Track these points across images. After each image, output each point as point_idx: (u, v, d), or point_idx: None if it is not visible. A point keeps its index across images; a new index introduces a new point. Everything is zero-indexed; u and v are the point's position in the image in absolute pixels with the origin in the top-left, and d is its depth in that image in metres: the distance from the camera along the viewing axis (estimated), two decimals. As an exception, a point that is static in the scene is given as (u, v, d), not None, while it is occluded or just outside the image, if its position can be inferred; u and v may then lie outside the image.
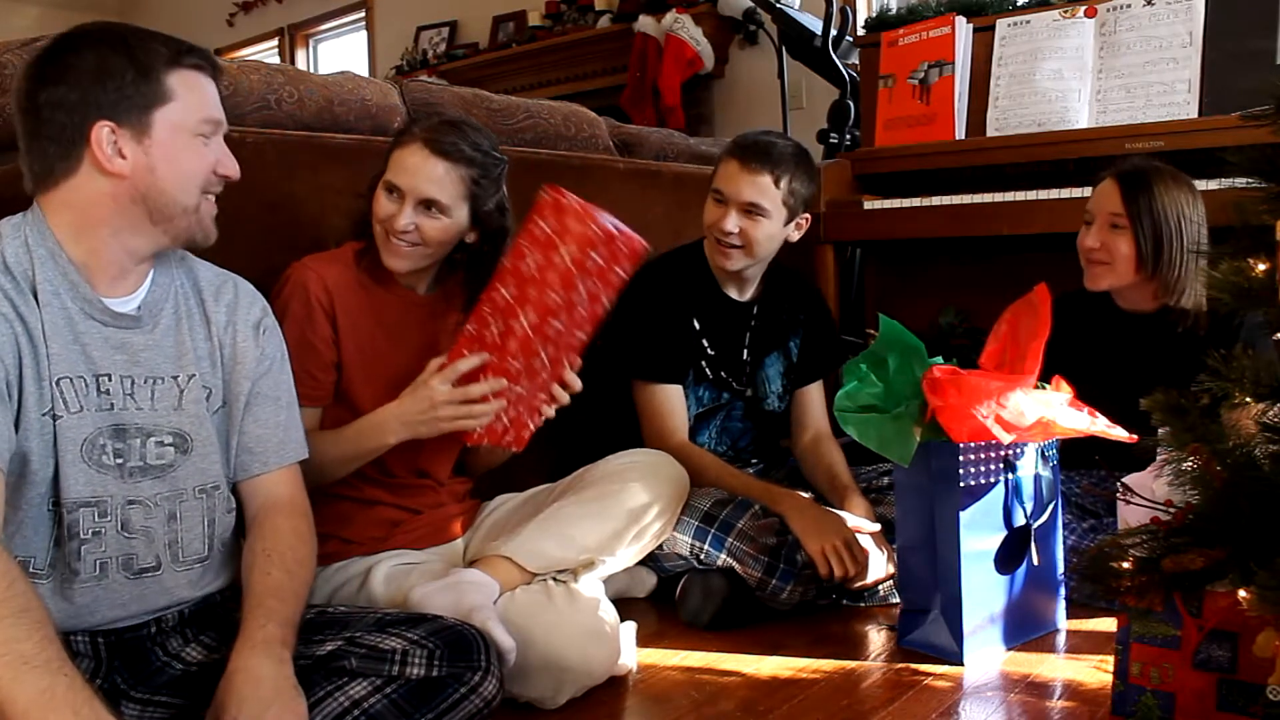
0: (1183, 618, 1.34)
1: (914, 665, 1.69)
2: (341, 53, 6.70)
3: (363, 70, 5.98)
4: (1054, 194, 2.49)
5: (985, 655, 1.70)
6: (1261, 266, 1.19)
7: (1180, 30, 2.49)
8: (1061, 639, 1.79)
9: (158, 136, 1.23)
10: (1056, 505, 1.81)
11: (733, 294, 2.18)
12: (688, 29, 4.33)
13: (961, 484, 1.66)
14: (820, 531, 1.86)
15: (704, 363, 2.14)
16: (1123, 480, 1.48)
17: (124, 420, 1.25)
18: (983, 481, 1.69)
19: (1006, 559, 1.74)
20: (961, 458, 1.66)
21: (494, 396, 1.59)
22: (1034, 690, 1.58)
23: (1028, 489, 1.75)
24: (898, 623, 1.80)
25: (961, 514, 1.66)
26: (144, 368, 1.27)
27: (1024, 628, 1.78)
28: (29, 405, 1.17)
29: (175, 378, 1.30)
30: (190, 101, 1.26)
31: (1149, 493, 1.37)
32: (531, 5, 5.24)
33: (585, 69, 4.88)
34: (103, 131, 1.20)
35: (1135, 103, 2.52)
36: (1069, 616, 1.85)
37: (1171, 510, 1.28)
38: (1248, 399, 1.20)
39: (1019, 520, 1.74)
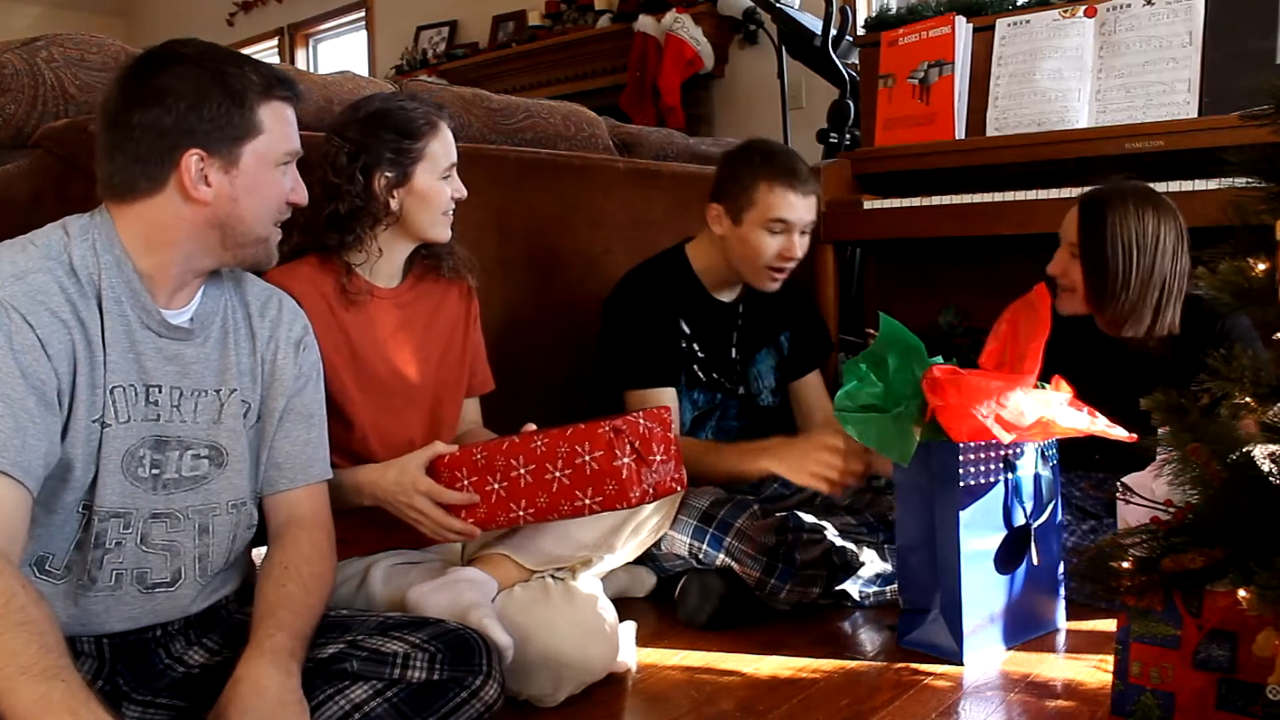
0: (1182, 617, 1.34)
1: (914, 665, 1.69)
2: (341, 52, 6.70)
3: (362, 70, 5.98)
4: (1054, 194, 2.49)
5: (985, 655, 1.70)
6: (1261, 266, 1.19)
7: (1180, 30, 2.49)
8: (1061, 639, 1.79)
9: (244, 167, 1.24)
10: (1056, 505, 1.81)
11: (721, 296, 2.19)
12: (687, 29, 4.33)
13: (961, 484, 1.66)
14: (802, 459, 1.88)
15: (695, 366, 2.14)
16: (1122, 480, 1.48)
17: (167, 432, 1.25)
18: (983, 481, 1.69)
19: (1006, 559, 1.74)
20: (961, 457, 1.66)
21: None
22: (1034, 690, 1.58)
23: (1027, 488, 1.75)
24: (898, 622, 1.80)
25: (961, 514, 1.67)
26: (192, 380, 1.27)
27: (1024, 628, 1.78)
28: (79, 412, 1.17)
29: (218, 391, 1.30)
30: (277, 134, 1.27)
31: (1149, 493, 1.37)
32: (531, 5, 5.24)
33: (585, 69, 4.89)
34: (192, 160, 1.21)
35: (1135, 102, 2.52)
36: (1069, 617, 1.85)
37: (1171, 510, 1.28)
38: (1247, 399, 1.20)
39: (1019, 520, 1.74)
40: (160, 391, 1.24)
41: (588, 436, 1.48)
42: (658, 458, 1.52)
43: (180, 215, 1.23)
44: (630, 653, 1.67)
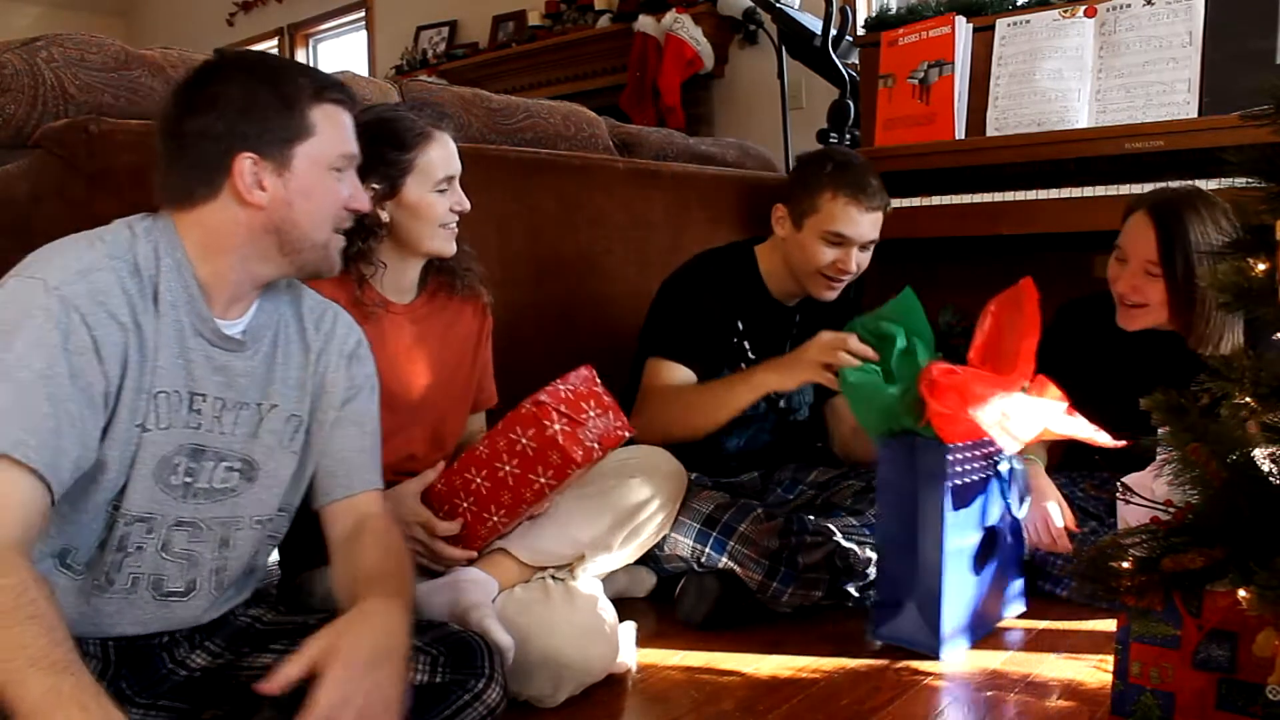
0: (1182, 617, 1.34)
1: (914, 665, 1.69)
2: (341, 52, 6.70)
3: (363, 70, 5.99)
4: (1054, 194, 2.49)
5: (957, 649, 1.74)
6: (1261, 266, 1.19)
7: (1180, 30, 2.49)
8: (1061, 639, 1.79)
9: (297, 170, 1.24)
10: (1026, 498, 1.87)
11: (783, 301, 2.18)
12: (687, 29, 4.33)
13: (949, 482, 1.68)
14: (796, 359, 1.90)
15: (744, 366, 2.13)
16: (1122, 480, 1.48)
17: (205, 442, 1.24)
18: (969, 480, 1.72)
19: (980, 557, 1.78)
20: (951, 456, 1.68)
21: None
22: (1034, 690, 1.58)
23: (1008, 485, 1.80)
24: (872, 616, 1.82)
25: (947, 512, 1.69)
26: (236, 392, 1.27)
27: (992, 620, 1.84)
28: (122, 415, 1.17)
29: (259, 405, 1.29)
30: (330, 136, 1.27)
31: (1149, 493, 1.37)
32: (531, 5, 5.24)
33: (585, 69, 4.88)
34: (245, 163, 1.21)
35: (1135, 102, 2.52)
36: (1068, 617, 1.86)
37: (1171, 510, 1.28)
38: (1248, 399, 1.20)
39: (1004, 513, 1.80)
40: (204, 401, 1.24)
41: (516, 421, 1.52)
42: (591, 414, 1.55)
43: (237, 220, 1.23)
44: (630, 653, 1.67)
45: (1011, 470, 1.80)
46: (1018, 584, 1.89)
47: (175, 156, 1.23)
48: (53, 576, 1.18)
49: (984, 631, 1.81)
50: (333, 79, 1.30)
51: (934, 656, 1.70)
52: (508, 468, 1.53)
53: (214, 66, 1.25)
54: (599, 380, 1.60)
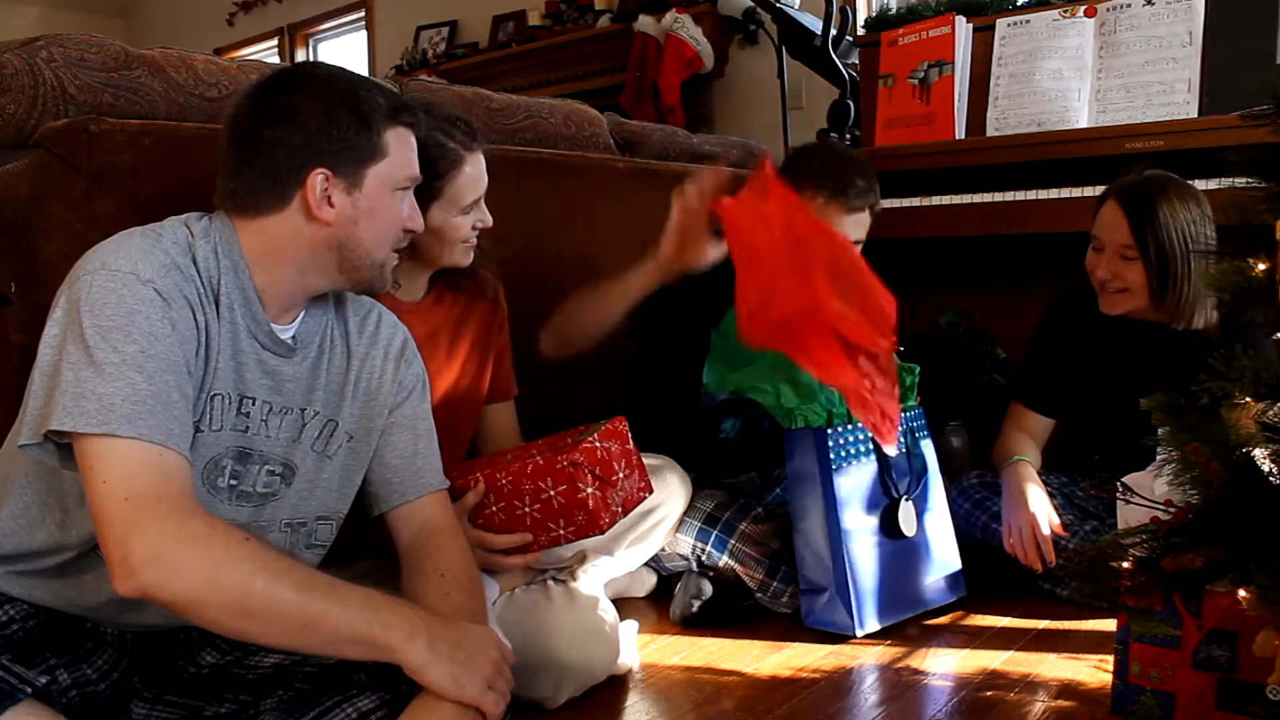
0: (1182, 617, 1.34)
1: (914, 665, 1.69)
2: (341, 52, 6.70)
3: (363, 70, 5.98)
4: (1053, 194, 2.49)
5: (875, 627, 1.81)
6: (1261, 266, 1.19)
7: (1180, 30, 2.49)
8: (1061, 639, 1.80)
9: (367, 190, 1.24)
10: (929, 478, 1.94)
11: None
12: (687, 28, 4.33)
13: (834, 465, 1.80)
14: (665, 236, 1.84)
15: None
16: (1122, 480, 1.48)
17: (252, 445, 1.24)
18: (855, 462, 1.83)
19: (892, 529, 1.86)
20: (832, 442, 1.80)
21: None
22: (1034, 690, 1.59)
23: (900, 464, 1.88)
24: (800, 603, 1.86)
25: (840, 494, 1.79)
26: (283, 397, 1.27)
27: (917, 599, 1.89)
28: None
29: (303, 410, 1.29)
30: (400, 159, 1.27)
31: (1149, 492, 1.37)
32: (531, 5, 5.23)
33: (585, 69, 4.88)
34: (317, 179, 1.21)
35: (1135, 102, 2.52)
36: (1068, 617, 1.86)
37: (1171, 510, 1.28)
38: (1247, 399, 1.20)
39: (894, 493, 1.87)
40: (253, 404, 1.23)
41: (549, 472, 1.49)
42: (620, 475, 1.53)
43: (300, 234, 1.23)
44: (632, 653, 1.67)
45: (903, 453, 1.88)
46: (947, 562, 1.93)
47: (245, 163, 1.22)
48: (89, 558, 1.18)
49: (909, 611, 1.87)
50: (406, 100, 1.30)
51: (852, 635, 1.78)
52: (528, 509, 1.51)
53: (294, 76, 1.25)
54: (629, 436, 1.59)
